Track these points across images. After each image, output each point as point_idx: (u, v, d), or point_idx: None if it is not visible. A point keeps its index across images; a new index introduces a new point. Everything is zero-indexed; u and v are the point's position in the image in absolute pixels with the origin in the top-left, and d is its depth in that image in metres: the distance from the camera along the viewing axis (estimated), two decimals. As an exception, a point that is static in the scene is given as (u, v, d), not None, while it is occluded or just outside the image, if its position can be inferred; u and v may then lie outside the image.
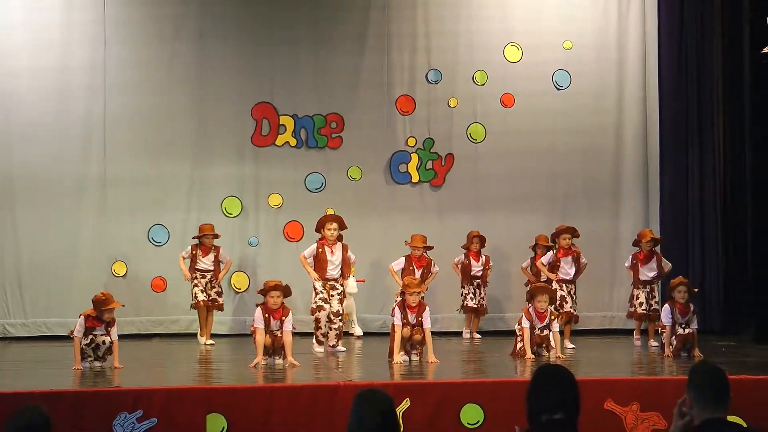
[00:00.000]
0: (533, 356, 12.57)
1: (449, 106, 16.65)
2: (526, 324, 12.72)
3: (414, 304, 12.30)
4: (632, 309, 14.69)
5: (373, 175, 16.50)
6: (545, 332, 12.78)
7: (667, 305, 13.01)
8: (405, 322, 12.22)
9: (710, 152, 16.53)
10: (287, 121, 16.36)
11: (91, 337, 11.66)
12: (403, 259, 14.64)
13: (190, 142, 16.15)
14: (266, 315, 11.93)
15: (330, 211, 15.92)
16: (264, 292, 12.10)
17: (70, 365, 11.56)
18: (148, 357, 13.56)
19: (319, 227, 14.06)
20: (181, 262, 14.72)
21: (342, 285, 13.86)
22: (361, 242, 15.27)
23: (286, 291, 12.27)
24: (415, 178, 16.58)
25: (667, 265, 14.81)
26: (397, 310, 12.32)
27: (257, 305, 12.16)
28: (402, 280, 13.56)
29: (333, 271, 13.78)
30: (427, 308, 12.50)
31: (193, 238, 14.82)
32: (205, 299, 14.59)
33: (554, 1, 16.94)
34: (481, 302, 15.54)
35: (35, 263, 15.71)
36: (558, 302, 14.18)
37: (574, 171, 16.76)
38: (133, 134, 16.00)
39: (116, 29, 16.01)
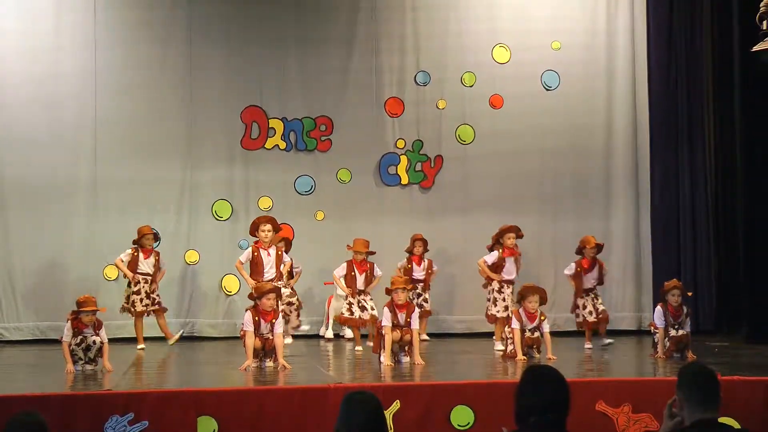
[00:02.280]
0: (524, 358, 12.55)
1: (438, 108, 16.66)
2: (516, 325, 12.69)
3: (401, 303, 12.29)
4: (580, 319, 14.44)
5: (362, 178, 16.52)
6: (535, 334, 12.76)
7: (659, 307, 12.96)
8: (395, 323, 12.21)
9: (700, 151, 16.54)
10: (277, 124, 16.37)
11: (81, 337, 11.68)
12: (345, 264, 14.39)
13: (180, 145, 16.17)
14: (256, 318, 11.90)
15: (320, 215, 16.01)
16: (260, 294, 12.06)
17: (63, 368, 11.56)
18: (139, 360, 13.54)
19: (253, 230, 14.12)
20: (120, 265, 14.62)
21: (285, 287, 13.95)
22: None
23: (279, 293, 12.30)
24: (405, 180, 16.59)
25: (607, 271, 14.80)
26: (386, 311, 12.27)
27: (247, 309, 12.13)
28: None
29: (270, 274, 13.83)
30: (416, 309, 12.51)
31: (133, 242, 14.70)
32: (144, 309, 14.56)
33: (542, 1, 16.95)
34: (422, 304, 15.17)
35: (27, 267, 15.75)
36: (505, 304, 14.21)
37: (563, 171, 16.78)
38: (123, 138, 16.01)
39: (106, 33, 16.04)
